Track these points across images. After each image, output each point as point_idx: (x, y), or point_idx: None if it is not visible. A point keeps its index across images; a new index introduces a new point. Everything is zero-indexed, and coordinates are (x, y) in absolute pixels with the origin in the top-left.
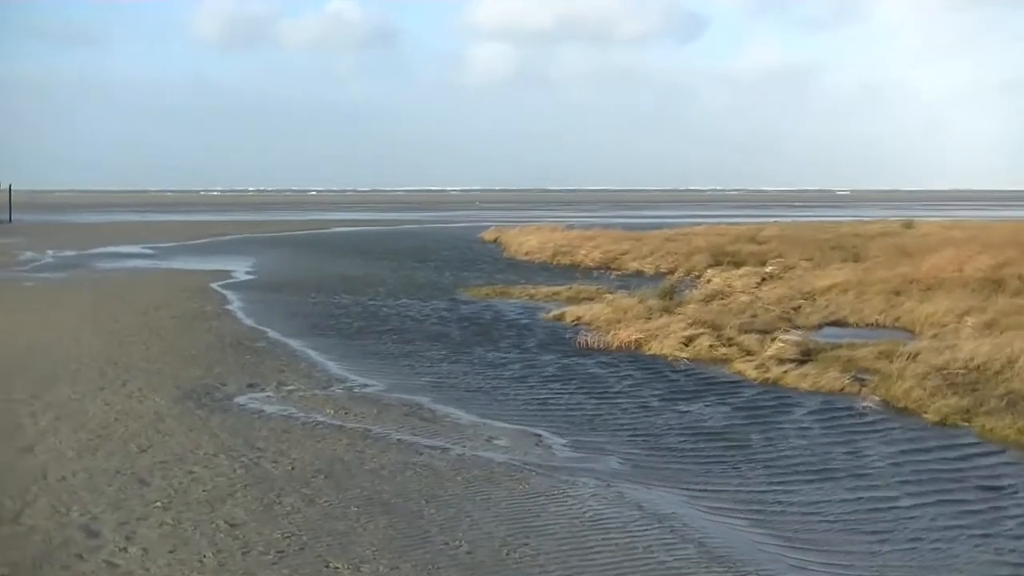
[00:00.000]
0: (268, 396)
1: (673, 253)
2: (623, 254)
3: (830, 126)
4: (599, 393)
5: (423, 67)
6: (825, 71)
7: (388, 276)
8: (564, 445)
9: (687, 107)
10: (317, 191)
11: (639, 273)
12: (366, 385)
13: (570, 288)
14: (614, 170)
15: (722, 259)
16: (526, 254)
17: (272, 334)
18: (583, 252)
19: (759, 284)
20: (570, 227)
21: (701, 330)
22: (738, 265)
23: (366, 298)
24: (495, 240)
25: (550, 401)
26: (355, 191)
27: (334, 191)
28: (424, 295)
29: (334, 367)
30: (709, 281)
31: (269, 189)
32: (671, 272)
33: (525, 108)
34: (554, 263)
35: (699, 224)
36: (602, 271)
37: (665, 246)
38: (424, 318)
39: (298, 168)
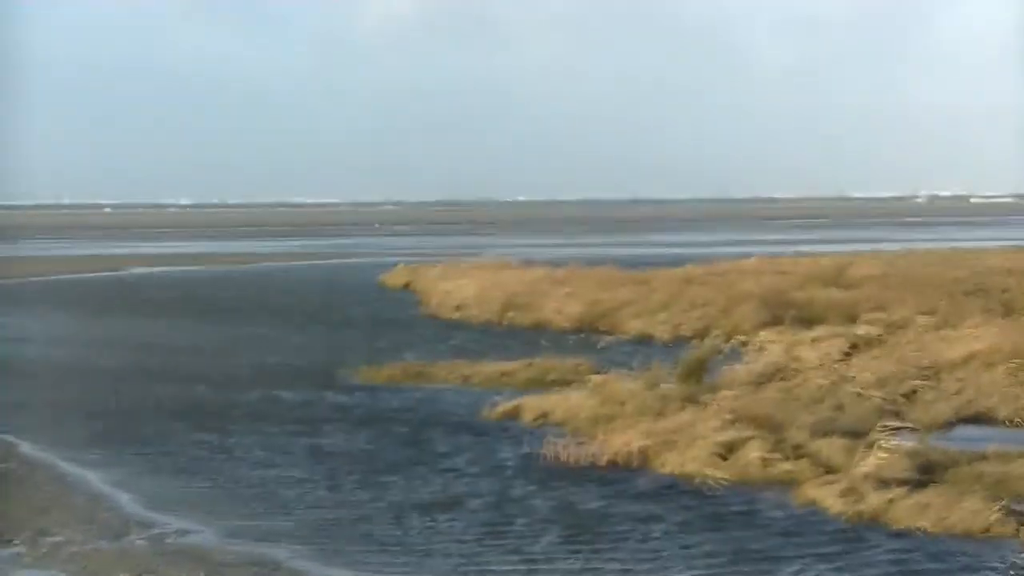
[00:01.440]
0: (18, 555)
1: (702, 304)
2: (619, 307)
3: (953, 93)
4: (577, 536)
5: (290, 10)
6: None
7: (236, 349)
8: None
9: (722, 65)
10: (111, 207)
11: (645, 338)
12: (187, 531)
13: (530, 364)
14: (603, 170)
15: (784, 313)
16: (458, 308)
17: (26, 449)
18: (552, 305)
19: (847, 355)
20: (529, 263)
21: (748, 432)
22: (811, 324)
23: (200, 386)
24: (405, 286)
25: (496, 555)
26: (176, 206)
27: (139, 206)
28: (293, 380)
29: (134, 502)
30: (763, 350)
31: (24, 204)
32: (698, 337)
33: (453, 73)
34: (503, 323)
35: (745, 256)
36: (584, 335)
37: (689, 293)
38: (289, 419)
39: (75, 169)
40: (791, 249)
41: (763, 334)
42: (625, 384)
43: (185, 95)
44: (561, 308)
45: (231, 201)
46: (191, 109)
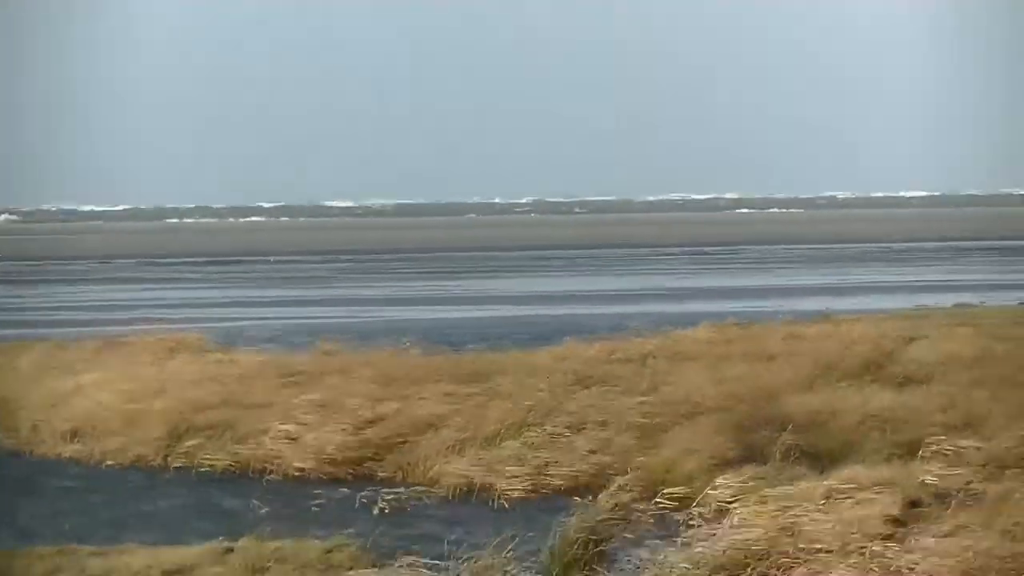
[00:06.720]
0: None
1: (597, 424)
2: (420, 430)
3: None
4: None
5: None
6: None
7: None
8: None
9: None
10: None
11: (471, 492)
12: None
13: (230, 549)
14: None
15: (769, 440)
16: (74, 436)
17: None
18: (282, 427)
19: (897, 526)
20: (235, 342)
21: None
22: (824, 460)
23: None
24: None
25: None
26: None
27: None
28: None
29: None
30: (723, 516)
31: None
32: (590, 490)
33: None
34: (174, 464)
35: (688, 321)
36: (348, 489)
37: (570, 401)
38: None
39: None
40: (792, 305)
41: (722, 482)
42: None
43: None
44: (301, 432)
45: None
46: None
